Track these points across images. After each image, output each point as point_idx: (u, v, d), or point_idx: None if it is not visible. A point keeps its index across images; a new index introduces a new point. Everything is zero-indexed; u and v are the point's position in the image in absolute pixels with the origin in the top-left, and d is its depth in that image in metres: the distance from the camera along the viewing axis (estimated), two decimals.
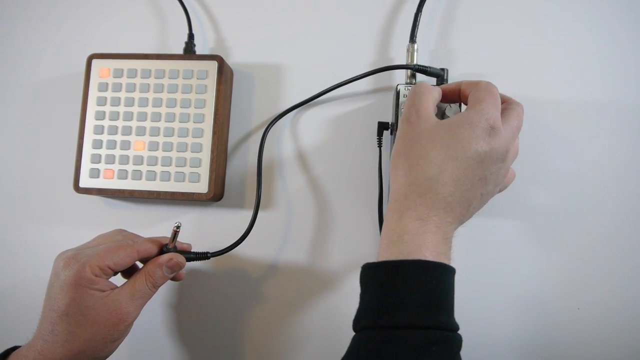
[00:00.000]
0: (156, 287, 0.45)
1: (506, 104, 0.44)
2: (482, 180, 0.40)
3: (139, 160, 0.54)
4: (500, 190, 0.44)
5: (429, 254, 0.38)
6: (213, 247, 0.55)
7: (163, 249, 0.47)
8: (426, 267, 0.38)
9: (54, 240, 0.58)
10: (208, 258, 0.49)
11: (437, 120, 0.42)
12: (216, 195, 0.54)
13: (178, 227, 0.46)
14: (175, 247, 0.47)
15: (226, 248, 0.50)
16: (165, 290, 0.56)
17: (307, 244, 0.55)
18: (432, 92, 0.44)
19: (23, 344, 0.43)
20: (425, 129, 0.41)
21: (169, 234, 0.47)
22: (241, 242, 0.51)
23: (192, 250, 0.49)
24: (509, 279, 0.52)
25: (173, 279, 0.48)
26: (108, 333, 0.42)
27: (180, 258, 0.46)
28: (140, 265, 0.47)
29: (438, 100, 0.45)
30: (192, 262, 0.50)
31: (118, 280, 0.45)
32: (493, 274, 0.52)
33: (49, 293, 0.43)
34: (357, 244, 0.54)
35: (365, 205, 0.54)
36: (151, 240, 0.47)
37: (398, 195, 0.41)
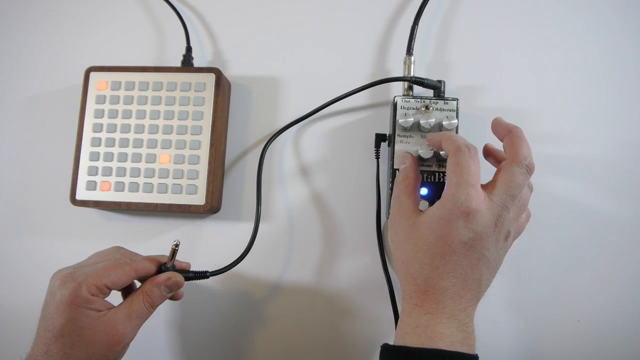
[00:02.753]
0: (154, 307, 0.44)
1: (502, 163, 0.43)
2: (481, 259, 0.40)
3: (136, 172, 0.54)
4: (515, 238, 0.44)
5: (442, 345, 0.38)
6: (211, 259, 0.55)
7: (161, 267, 0.46)
8: (442, 356, 0.37)
9: (50, 253, 0.57)
10: (207, 277, 0.48)
11: (417, 216, 0.42)
12: (213, 207, 0.54)
13: (177, 245, 0.45)
14: (173, 265, 0.47)
15: (225, 267, 0.50)
16: (166, 309, 0.55)
17: (306, 256, 0.54)
18: (410, 184, 0.45)
19: (10, 353, 0.42)
20: (409, 230, 0.42)
21: (166, 246, 0.47)
22: (240, 260, 0.50)
23: (191, 269, 0.49)
24: (506, 291, 0.52)
25: (171, 298, 0.48)
26: (104, 354, 0.41)
27: (179, 277, 0.46)
28: (138, 284, 0.47)
29: (417, 183, 0.46)
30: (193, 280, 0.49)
31: (115, 298, 0.44)
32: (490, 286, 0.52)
33: (44, 312, 0.42)
34: (357, 256, 0.54)
35: (365, 217, 0.54)
36: (149, 258, 0.46)
37: (404, 294, 0.42)
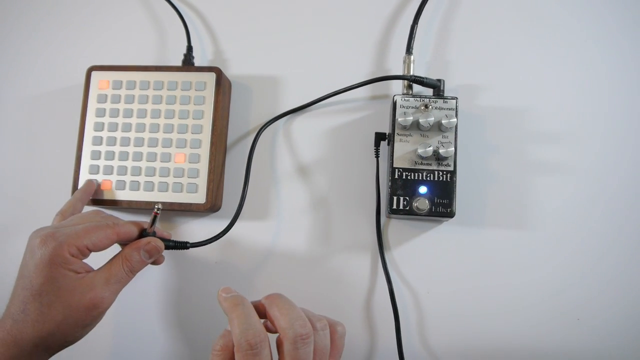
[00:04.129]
0: (133, 272, 0.44)
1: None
2: None
3: (137, 171, 0.54)
4: None
5: None
6: (211, 257, 0.55)
7: (142, 233, 0.46)
8: None
9: None
10: (187, 248, 0.48)
11: None
12: (214, 205, 0.54)
13: (158, 209, 0.44)
14: (154, 232, 0.46)
15: (206, 240, 0.50)
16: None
17: (305, 254, 0.55)
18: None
19: None
20: None
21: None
22: (222, 235, 0.51)
23: (173, 239, 0.48)
24: (507, 290, 0.52)
25: (153, 263, 0.47)
26: (80, 318, 0.40)
27: (159, 242, 0.45)
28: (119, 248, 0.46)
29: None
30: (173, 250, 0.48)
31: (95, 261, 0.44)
32: (491, 284, 0.52)
33: (22, 271, 0.41)
34: (357, 255, 0.54)
35: (363, 215, 0.55)
36: (132, 223, 0.45)
37: None
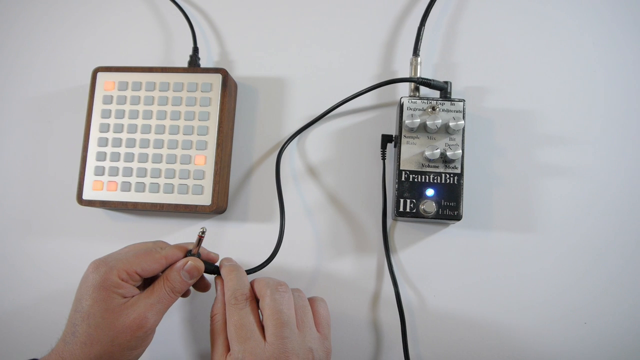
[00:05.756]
0: (175, 292, 0.45)
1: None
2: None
3: (142, 172, 0.54)
4: (328, 336, 0.45)
5: None
6: None
7: (186, 254, 0.46)
8: None
9: (56, 252, 0.58)
10: None
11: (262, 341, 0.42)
12: (219, 207, 0.54)
13: (203, 232, 0.45)
14: (199, 253, 0.46)
15: (256, 267, 0.50)
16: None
17: (312, 257, 0.54)
18: (219, 321, 0.45)
19: (24, 355, 0.42)
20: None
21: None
22: (268, 263, 0.50)
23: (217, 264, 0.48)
24: (514, 293, 0.52)
25: (199, 288, 0.49)
26: (126, 340, 0.42)
27: (198, 262, 0.46)
28: None
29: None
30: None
31: None
32: (498, 287, 0.52)
33: (76, 295, 0.43)
34: (363, 257, 0.54)
35: (369, 218, 0.54)
36: (179, 246, 0.47)
37: None
